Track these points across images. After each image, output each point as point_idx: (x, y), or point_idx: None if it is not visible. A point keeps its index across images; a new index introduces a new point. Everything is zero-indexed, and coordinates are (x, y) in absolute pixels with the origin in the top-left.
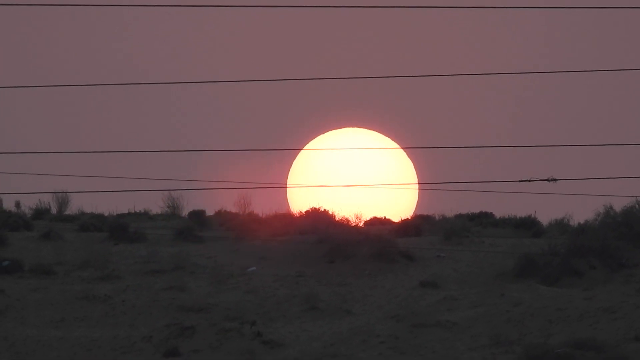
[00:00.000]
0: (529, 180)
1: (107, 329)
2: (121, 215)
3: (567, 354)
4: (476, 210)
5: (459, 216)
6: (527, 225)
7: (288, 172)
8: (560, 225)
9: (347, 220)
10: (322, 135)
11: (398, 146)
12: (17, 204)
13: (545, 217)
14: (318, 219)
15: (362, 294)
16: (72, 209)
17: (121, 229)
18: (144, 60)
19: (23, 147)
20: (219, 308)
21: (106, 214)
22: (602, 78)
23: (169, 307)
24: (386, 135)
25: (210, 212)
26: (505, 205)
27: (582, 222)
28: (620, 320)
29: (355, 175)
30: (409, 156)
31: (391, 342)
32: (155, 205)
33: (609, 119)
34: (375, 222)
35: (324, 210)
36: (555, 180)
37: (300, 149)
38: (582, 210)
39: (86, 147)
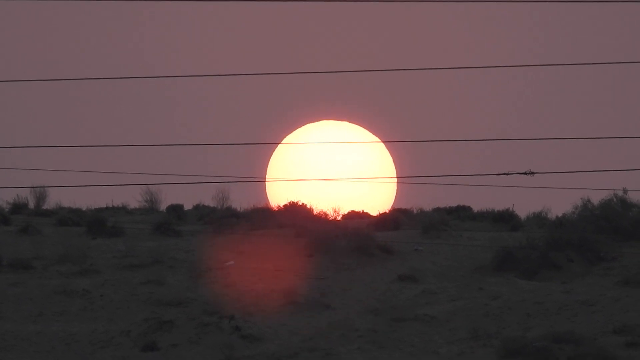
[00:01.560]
0: (507, 174)
1: (86, 323)
2: (99, 210)
3: (545, 347)
4: (454, 204)
5: (437, 210)
6: (505, 219)
7: (267, 165)
8: (539, 219)
9: (325, 214)
10: (301, 128)
11: (378, 140)
12: None
13: (523, 211)
14: (296, 213)
15: (341, 287)
16: (50, 203)
17: (99, 223)
18: (121, 54)
19: (0, 142)
20: (198, 302)
21: (84, 209)
22: (580, 71)
23: (147, 302)
24: (365, 128)
25: (188, 206)
26: (483, 199)
27: (560, 215)
28: (599, 314)
29: (334, 168)
30: (388, 149)
31: (370, 336)
32: (133, 199)
33: (587, 113)
34: (353, 216)
35: (302, 204)
36: (533, 173)
37: (278, 143)
38: (560, 203)
39: (64, 141)
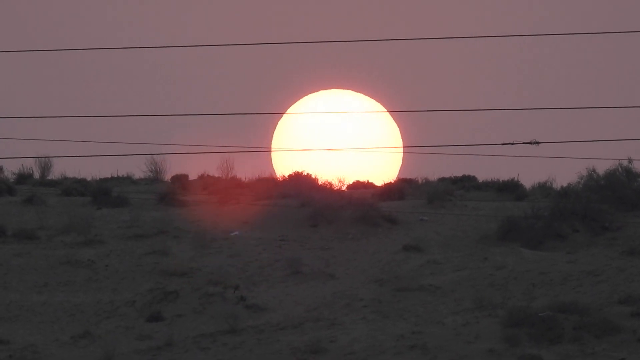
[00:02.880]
0: (512, 144)
1: (90, 293)
2: (104, 180)
3: (550, 317)
4: (459, 174)
5: (442, 180)
6: (510, 189)
7: (272, 135)
8: (543, 189)
9: (330, 184)
10: (306, 97)
11: (384, 109)
12: (0, 169)
13: (528, 181)
14: (301, 183)
15: (345, 258)
16: (54, 173)
17: (104, 193)
18: (126, 24)
19: (5, 112)
20: (202, 272)
21: (89, 179)
22: (585, 41)
23: (152, 272)
24: (371, 97)
25: (193, 176)
26: (488, 169)
27: (565, 185)
28: (604, 284)
29: (339, 138)
30: (394, 119)
31: (374, 306)
32: (138, 169)
33: (592, 82)
34: (358, 186)
35: (307, 174)
36: (538, 143)
37: (284, 113)
38: (565, 173)
39: (69, 111)
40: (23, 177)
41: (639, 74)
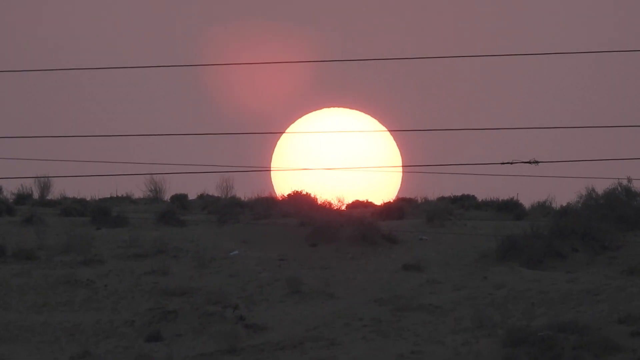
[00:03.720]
0: (511, 163)
1: (90, 313)
2: (103, 200)
3: (549, 336)
4: (458, 193)
5: (442, 199)
6: (509, 208)
7: (271, 154)
8: (543, 208)
9: (330, 203)
10: (306, 116)
11: (384, 129)
12: None
13: (527, 200)
14: (300, 202)
15: (345, 277)
16: (54, 193)
17: (103, 213)
18: (125, 44)
19: (5, 132)
20: (202, 292)
21: (88, 199)
22: (585, 60)
23: (152, 291)
24: (371, 116)
25: (192, 195)
26: (487, 188)
27: (564, 204)
28: (603, 303)
29: (339, 157)
30: (394, 138)
31: (374, 326)
32: (138, 189)
33: (591, 102)
34: (357, 205)
35: (306, 193)
36: (537, 162)
37: (283, 132)
38: (564, 192)
39: (68, 131)
40: (22, 197)
41: (638, 94)
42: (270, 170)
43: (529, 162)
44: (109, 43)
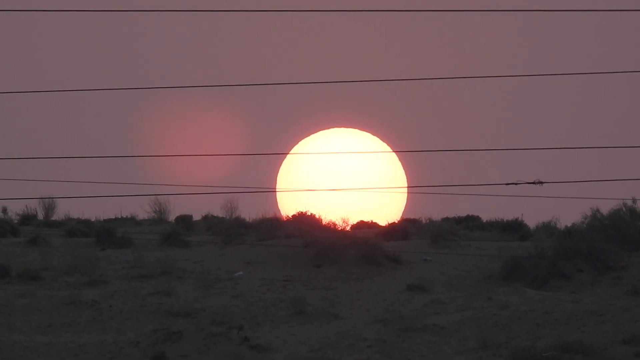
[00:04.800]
0: (516, 184)
1: (95, 334)
2: (108, 221)
3: (554, 357)
4: (463, 214)
5: (446, 219)
6: (514, 229)
7: (276, 175)
8: (548, 228)
9: (334, 224)
10: (312, 136)
11: (389, 148)
12: (4, 210)
13: (532, 220)
14: (305, 223)
15: (349, 297)
16: (58, 214)
17: (108, 234)
18: (129, 65)
19: (9, 153)
20: (206, 313)
21: (93, 219)
22: (589, 81)
23: (156, 312)
24: (376, 136)
25: (197, 216)
26: (492, 209)
27: (569, 225)
28: (608, 323)
29: (344, 177)
30: (399, 159)
31: (378, 346)
32: (142, 210)
33: (595, 122)
34: (362, 226)
35: (311, 214)
36: (542, 183)
37: (287, 153)
38: (569, 213)
39: (72, 152)
40: (27, 218)
41: None
42: (274, 191)
43: (534, 183)
44: (111, 64)
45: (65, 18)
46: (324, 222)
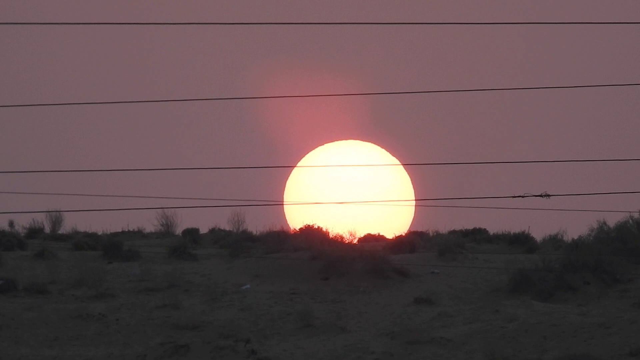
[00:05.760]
0: (523, 196)
1: (102, 347)
2: (115, 234)
3: None
4: (470, 226)
5: (453, 232)
6: (521, 241)
7: (284, 187)
8: (554, 241)
9: (341, 237)
10: (319, 147)
11: (396, 160)
12: (11, 223)
13: (539, 233)
14: (312, 236)
15: (357, 310)
16: (65, 227)
17: (115, 247)
18: (136, 78)
19: (16, 166)
20: (213, 326)
21: (100, 233)
22: (596, 94)
23: (163, 325)
24: (384, 148)
25: (204, 230)
26: (499, 221)
27: (576, 237)
28: (615, 336)
29: (352, 190)
30: (407, 171)
31: (386, 359)
32: (149, 223)
33: (602, 135)
34: (369, 239)
35: (318, 227)
36: (548, 196)
37: (294, 166)
38: (576, 225)
39: (79, 165)
40: (34, 232)
41: None
42: (281, 204)
43: (540, 196)
44: (119, 76)
45: (76, 31)
46: (331, 235)
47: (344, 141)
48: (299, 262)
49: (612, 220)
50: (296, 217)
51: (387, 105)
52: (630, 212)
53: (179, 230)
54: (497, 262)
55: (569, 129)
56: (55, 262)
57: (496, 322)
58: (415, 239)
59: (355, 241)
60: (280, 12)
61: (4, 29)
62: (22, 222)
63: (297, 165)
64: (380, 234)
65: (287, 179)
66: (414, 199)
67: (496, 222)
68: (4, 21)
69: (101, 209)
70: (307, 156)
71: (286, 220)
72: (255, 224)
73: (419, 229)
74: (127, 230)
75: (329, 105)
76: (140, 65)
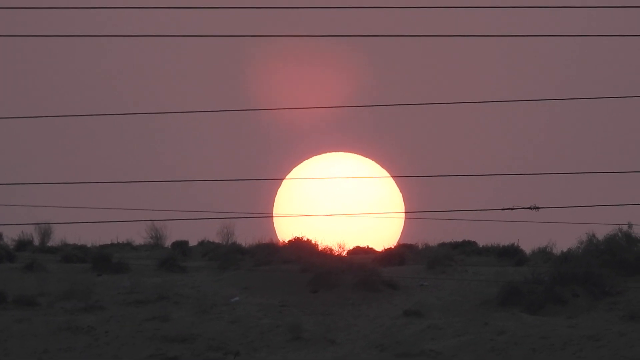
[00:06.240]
0: (512, 209)
1: (91, 359)
2: (104, 246)
3: None
4: (459, 239)
5: (442, 245)
6: (510, 254)
7: (273, 199)
8: (544, 254)
9: (331, 249)
10: (308, 160)
11: (386, 172)
12: (0, 236)
13: (528, 246)
14: (301, 248)
15: (346, 323)
16: (55, 240)
17: (104, 259)
18: (125, 90)
19: (5, 178)
20: (203, 338)
21: (89, 245)
22: (585, 106)
23: (153, 338)
24: (373, 160)
25: (193, 242)
26: (488, 234)
27: (565, 250)
28: (604, 348)
29: (342, 202)
30: (396, 183)
31: None
32: (139, 235)
33: (591, 147)
34: (358, 252)
35: (307, 239)
36: (538, 208)
37: (283, 179)
38: (565, 238)
39: (68, 177)
40: (23, 244)
41: (638, 139)
42: (271, 217)
43: (530, 208)
44: (107, 88)
45: (66, 42)
46: (320, 248)
47: (333, 153)
48: (288, 274)
49: (601, 233)
50: (285, 230)
51: (376, 117)
52: (619, 224)
53: (168, 243)
54: (487, 274)
55: (558, 141)
56: (44, 274)
57: (485, 335)
58: (405, 251)
59: (344, 253)
60: (269, 22)
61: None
62: (11, 235)
63: (287, 177)
64: (370, 246)
65: (277, 191)
66: (403, 211)
67: (485, 235)
68: None
69: (90, 221)
70: (296, 168)
71: (275, 232)
72: (245, 237)
73: (409, 242)
74: (116, 242)
75: (320, 117)
76: (127, 77)
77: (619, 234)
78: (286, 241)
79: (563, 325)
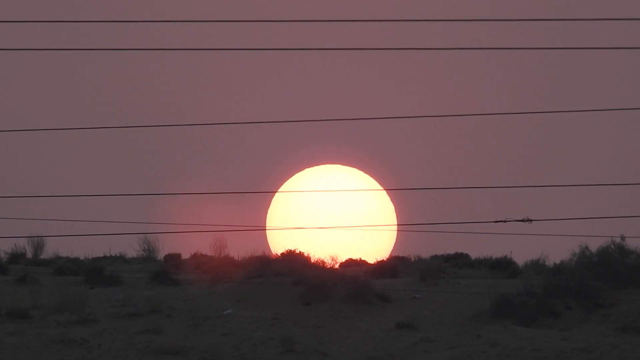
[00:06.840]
0: (504, 221)
1: None
2: (97, 259)
3: None
4: (452, 251)
5: (435, 257)
6: (502, 266)
7: (266, 212)
8: (536, 266)
9: (323, 262)
10: (302, 172)
11: (378, 185)
12: None
13: (521, 258)
14: (294, 261)
15: (339, 335)
16: (47, 253)
17: (97, 272)
18: (117, 103)
19: None
20: (196, 351)
21: (82, 258)
22: (578, 119)
23: (146, 350)
24: (366, 173)
25: (186, 255)
26: (480, 246)
27: (558, 262)
28: None
29: (334, 215)
30: (389, 196)
31: None
32: (131, 248)
33: (583, 160)
34: (351, 264)
35: (300, 252)
36: (530, 220)
37: (276, 192)
38: (557, 250)
39: (61, 191)
40: (16, 257)
41: (631, 152)
42: (263, 230)
43: (522, 221)
44: (101, 101)
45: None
46: (313, 260)
47: (326, 165)
48: (280, 287)
49: (594, 245)
50: (278, 242)
51: (369, 129)
52: (612, 237)
53: (161, 256)
54: (479, 287)
55: (550, 154)
56: (37, 287)
57: (478, 347)
58: (397, 263)
59: (337, 266)
60: (258, 36)
61: None
62: (4, 247)
63: (279, 190)
64: (362, 259)
65: (269, 204)
66: (395, 223)
67: (478, 247)
68: None
69: (83, 234)
70: (289, 181)
71: (268, 245)
72: (237, 249)
73: (401, 254)
74: (109, 255)
75: (313, 130)
76: (121, 89)
77: (612, 246)
78: (279, 254)
79: (556, 338)
